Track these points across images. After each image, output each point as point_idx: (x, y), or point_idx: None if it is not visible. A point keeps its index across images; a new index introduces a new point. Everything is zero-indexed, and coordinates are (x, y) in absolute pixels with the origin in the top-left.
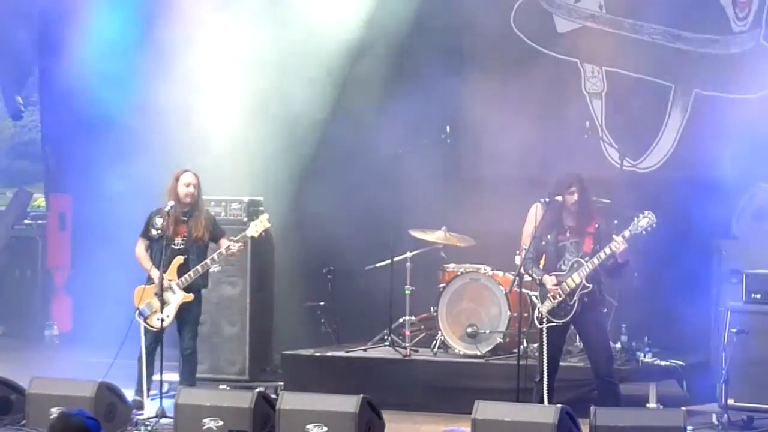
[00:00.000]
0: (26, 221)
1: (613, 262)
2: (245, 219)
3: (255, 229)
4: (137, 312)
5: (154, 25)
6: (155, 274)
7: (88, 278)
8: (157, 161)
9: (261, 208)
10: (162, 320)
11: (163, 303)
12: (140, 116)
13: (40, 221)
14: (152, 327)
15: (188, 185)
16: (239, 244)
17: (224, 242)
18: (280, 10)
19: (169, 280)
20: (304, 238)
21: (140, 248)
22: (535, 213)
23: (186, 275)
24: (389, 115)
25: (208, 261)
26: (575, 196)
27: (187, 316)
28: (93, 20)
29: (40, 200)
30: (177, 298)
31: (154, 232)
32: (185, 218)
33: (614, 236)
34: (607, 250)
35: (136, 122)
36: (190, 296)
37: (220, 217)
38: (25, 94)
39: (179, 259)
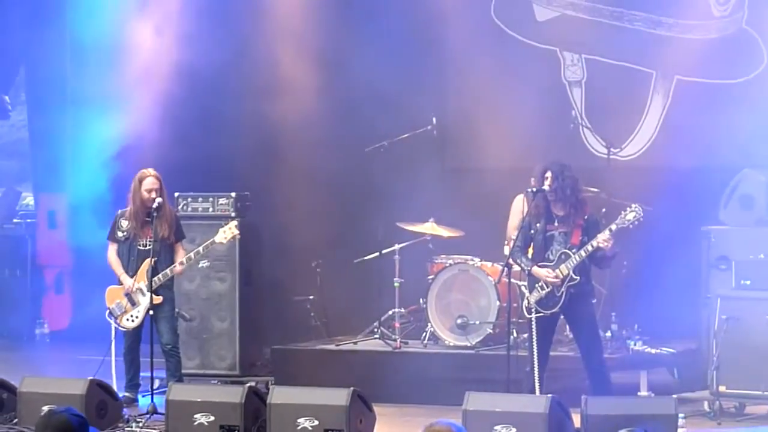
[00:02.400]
0: (15, 220)
1: (601, 255)
2: (233, 214)
3: (223, 235)
4: (107, 312)
5: (136, 21)
6: (125, 280)
7: (85, 275)
8: (146, 157)
9: (249, 203)
10: (132, 320)
11: (134, 303)
12: (127, 111)
13: (29, 220)
14: (122, 327)
15: (150, 191)
16: (183, 266)
17: (179, 250)
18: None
19: (137, 287)
20: (292, 233)
21: (112, 253)
22: (521, 203)
23: (155, 278)
24: (374, 108)
25: (168, 271)
26: (548, 182)
27: (160, 313)
28: (76, 17)
29: (29, 199)
30: (146, 299)
31: (120, 234)
32: (149, 219)
33: (599, 235)
34: (594, 244)
35: (122, 118)
36: (159, 298)
37: (208, 212)
38: (12, 93)
39: (148, 262)
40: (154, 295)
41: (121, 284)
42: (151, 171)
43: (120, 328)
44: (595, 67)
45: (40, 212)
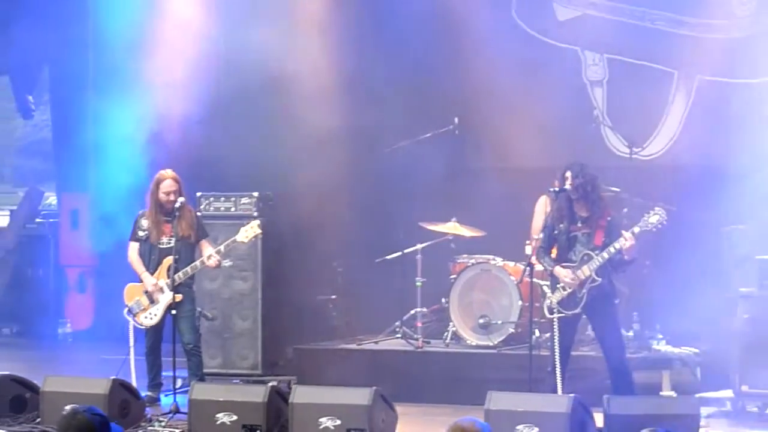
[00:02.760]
0: (38, 220)
1: (619, 258)
2: (255, 214)
3: (245, 234)
4: (126, 309)
5: (160, 21)
6: (146, 278)
7: (107, 275)
8: (171, 156)
9: (271, 203)
10: (151, 318)
11: (153, 301)
12: (150, 111)
13: (52, 219)
14: (140, 325)
15: (168, 194)
16: (217, 257)
17: (205, 246)
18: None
19: (159, 287)
20: (315, 232)
21: (133, 252)
22: (543, 204)
23: (176, 276)
24: (396, 108)
25: (188, 269)
26: (569, 182)
27: (181, 312)
28: (99, 16)
29: (51, 199)
30: (166, 297)
31: (141, 233)
32: (168, 218)
33: (623, 232)
34: (617, 245)
35: (146, 118)
36: (179, 296)
37: (230, 212)
38: (36, 93)
39: (169, 260)
40: (174, 294)
41: (142, 282)
42: (169, 173)
43: (138, 325)
44: (616, 67)
45: (63, 212)
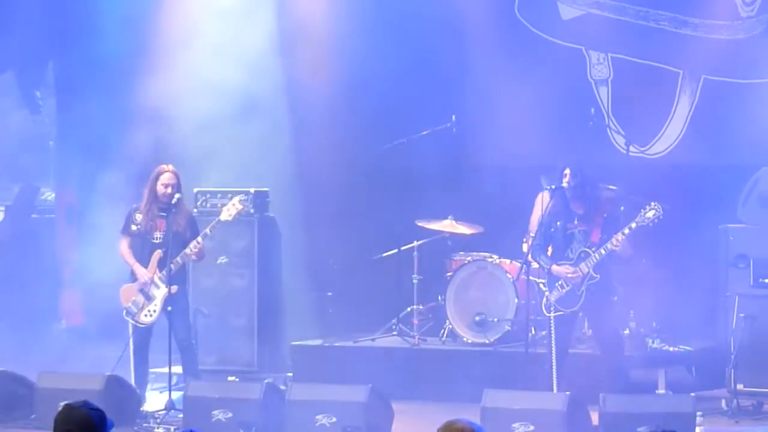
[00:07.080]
0: (33, 215)
1: (616, 256)
2: (252, 210)
3: (228, 212)
4: (124, 311)
5: (160, 19)
6: (138, 269)
7: (102, 272)
8: (165, 153)
9: (268, 200)
10: (151, 314)
11: (149, 298)
12: (147, 108)
13: (47, 215)
14: (141, 323)
15: (166, 186)
16: (199, 245)
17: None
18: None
19: (151, 276)
20: (311, 229)
21: (123, 245)
22: (541, 201)
23: (166, 269)
24: (394, 104)
25: (178, 258)
26: (567, 179)
27: (175, 308)
28: (104, 14)
29: (47, 194)
30: (161, 292)
31: (134, 227)
32: (164, 214)
33: (615, 235)
34: (608, 246)
35: (144, 114)
36: (174, 287)
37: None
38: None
39: (158, 253)
40: (169, 286)
41: (135, 279)
42: (169, 167)
43: (140, 324)
44: (621, 66)
45: (59, 207)
